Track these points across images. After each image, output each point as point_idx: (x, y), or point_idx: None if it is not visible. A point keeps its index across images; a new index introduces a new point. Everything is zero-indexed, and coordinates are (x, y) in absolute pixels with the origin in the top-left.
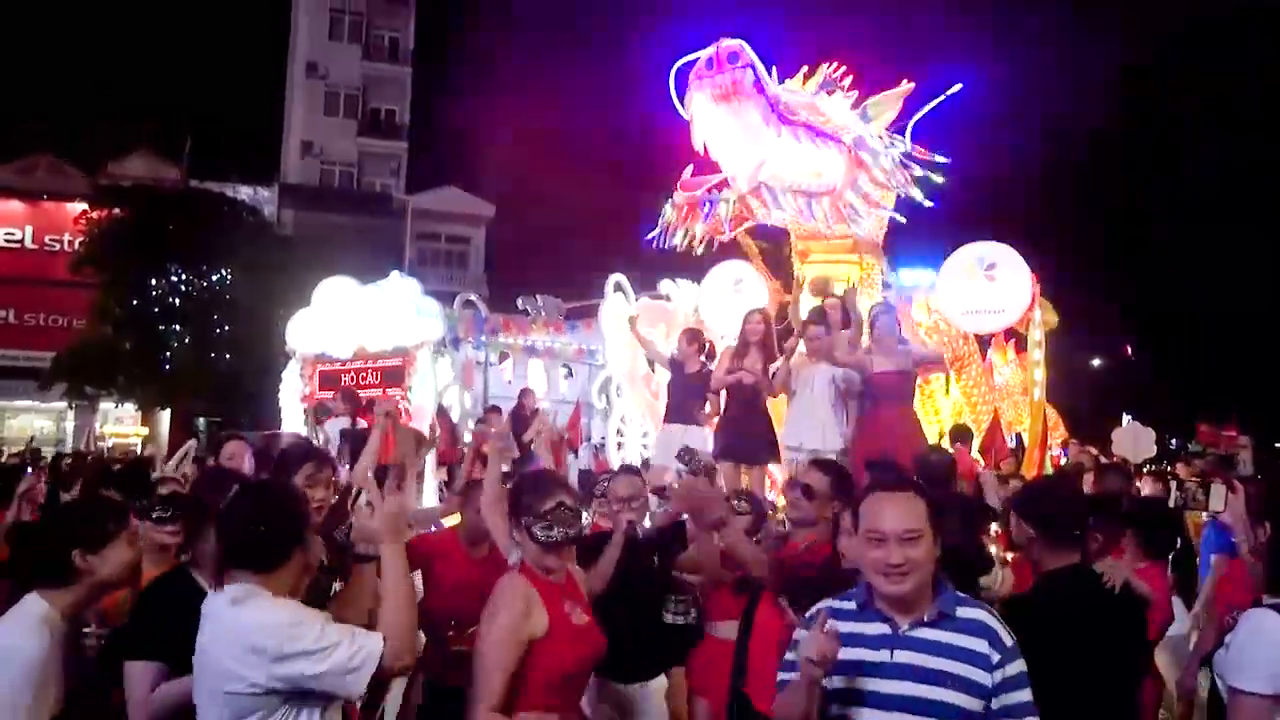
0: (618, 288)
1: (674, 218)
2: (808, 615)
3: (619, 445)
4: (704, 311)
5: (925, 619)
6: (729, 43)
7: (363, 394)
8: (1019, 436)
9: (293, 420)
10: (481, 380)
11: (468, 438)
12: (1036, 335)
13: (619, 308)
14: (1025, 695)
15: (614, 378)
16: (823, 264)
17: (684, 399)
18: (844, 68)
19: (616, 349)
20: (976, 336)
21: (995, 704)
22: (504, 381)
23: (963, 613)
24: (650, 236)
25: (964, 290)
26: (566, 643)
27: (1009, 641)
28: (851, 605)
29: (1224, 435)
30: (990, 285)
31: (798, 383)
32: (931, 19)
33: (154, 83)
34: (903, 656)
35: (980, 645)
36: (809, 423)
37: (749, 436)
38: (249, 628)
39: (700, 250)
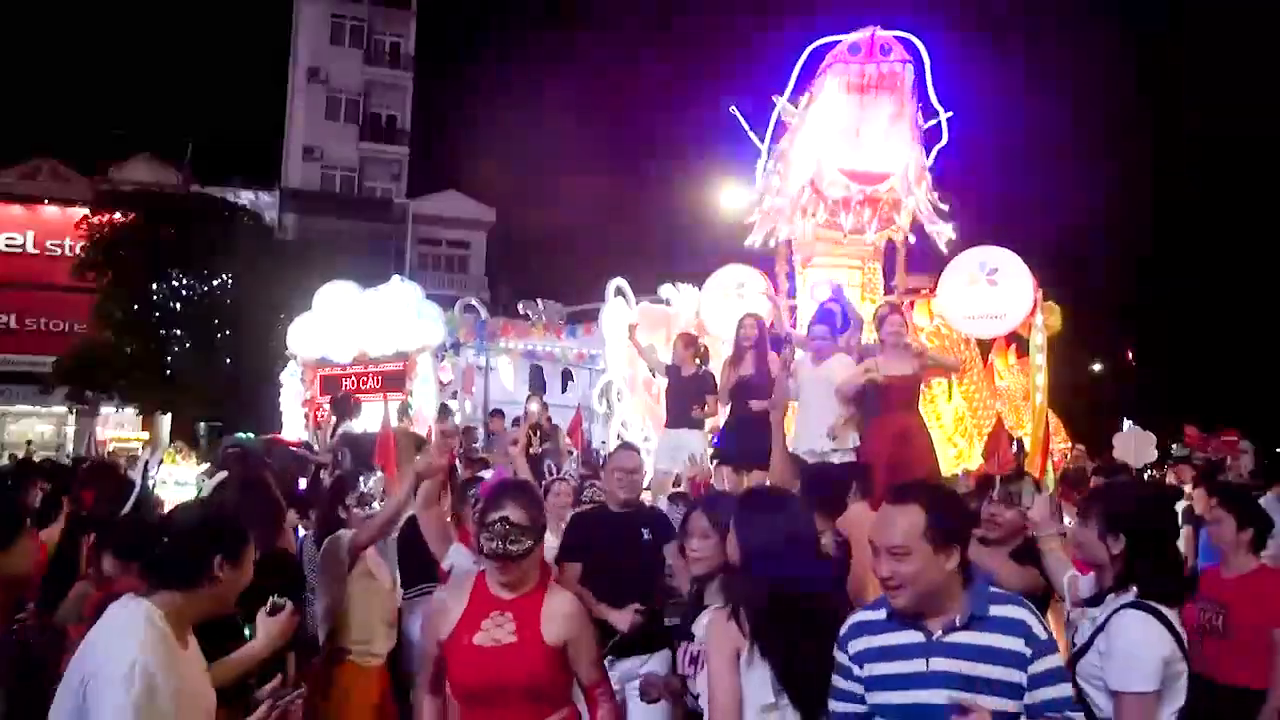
0: (618, 292)
1: (782, 210)
2: (842, 633)
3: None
4: (705, 316)
5: (958, 622)
6: (884, 33)
7: (363, 399)
8: (1020, 441)
9: (293, 424)
10: (482, 385)
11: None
12: (1038, 340)
13: (619, 312)
14: (1064, 690)
15: (614, 382)
16: (825, 267)
17: (682, 404)
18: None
19: (617, 353)
20: (978, 341)
21: (1030, 700)
22: (504, 387)
23: (997, 611)
24: (760, 234)
25: (966, 295)
26: (453, 657)
27: (1044, 635)
28: (881, 615)
29: (1222, 440)
30: (992, 290)
31: (800, 385)
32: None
33: (156, 88)
34: (939, 664)
35: (1015, 644)
36: (807, 426)
37: (750, 440)
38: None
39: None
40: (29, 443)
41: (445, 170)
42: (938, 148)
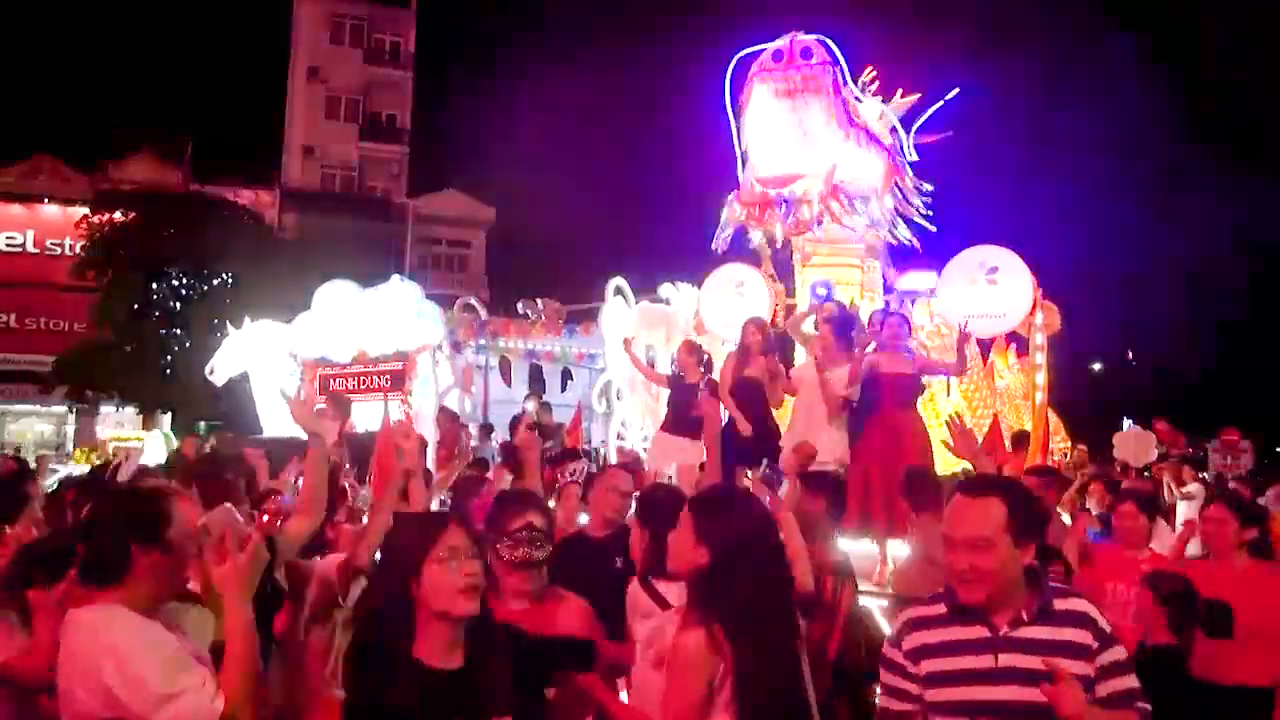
0: (618, 291)
1: (741, 217)
2: (895, 630)
3: (619, 449)
4: (705, 315)
5: (1025, 617)
6: (803, 37)
7: (363, 398)
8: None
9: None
10: (482, 384)
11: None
12: (1038, 339)
13: (619, 311)
14: (1128, 681)
15: (614, 381)
16: (824, 267)
17: (684, 411)
18: (875, 73)
19: (617, 353)
20: (978, 340)
21: (1100, 692)
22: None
23: (1061, 605)
24: (721, 237)
25: (965, 294)
26: None
27: (1107, 628)
28: (940, 610)
29: (1222, 439)
30: (992, 289)
31: (802, 386)
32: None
33: (156, 87)
34: (1007, 659)
35: (1083, 636)
36: (809, 428)
37: (743, 442)
38: None
39: (779, 248)
40: (17, 448)
41: (445, 169)
42: (924, 118)
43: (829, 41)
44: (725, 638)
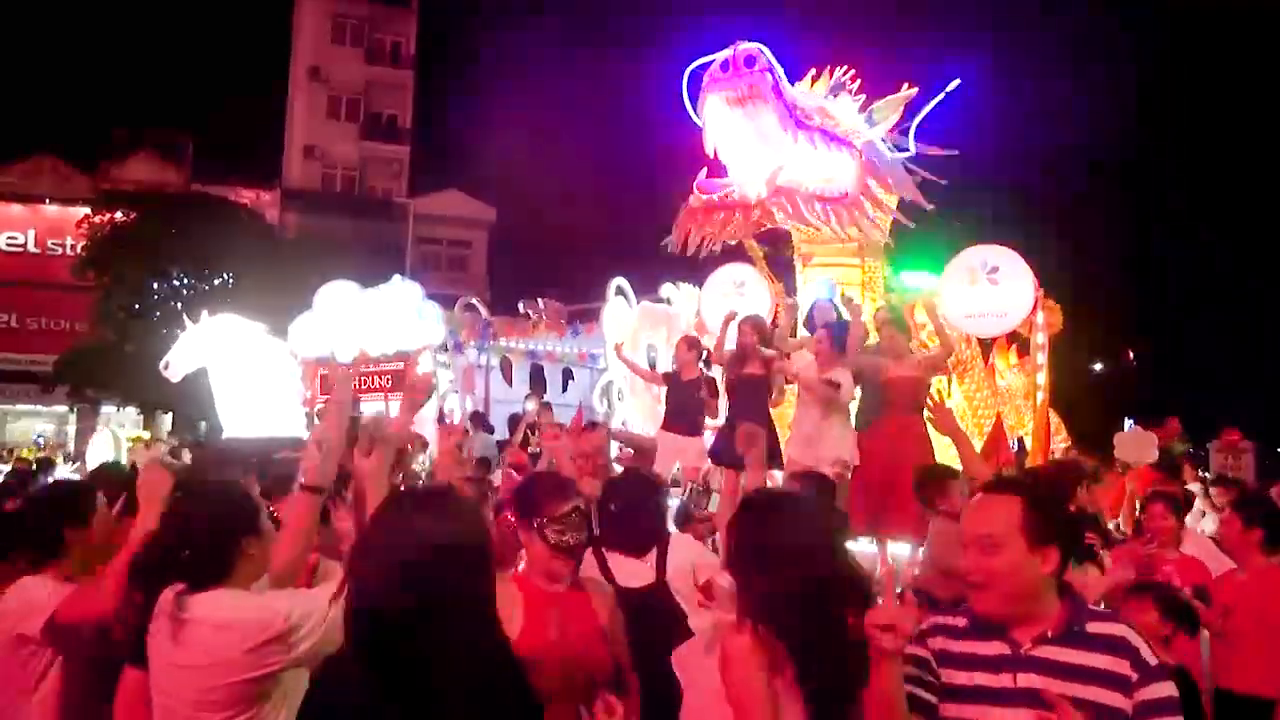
0: (619, 291)
1: (689, 222)
2: (922, 628)
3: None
4: (705, 315)
5: (1050, 635)
6: (746, 46)
7: (364, 398)
8: (1021, 441)
9: (294, 424)
10: (483, 384)
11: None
12: (1039, 339)
13: (620, 311)
14: None
15: (615, 382)
16: (825, 267)
17: (683, 407)
18: (853, 70)
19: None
20: (979, 340)
21: None
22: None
23: (1096, 628)
24: (665, 242)
25: (966, 293)
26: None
27: (1153, 661)
28: (961, 621)
29: (1224, 439)
30: (993, 289)
31: (800, 389)
32: (933, 20)
33: (156, 87)
34: (1026, 680)
35: (1118, 665)
36: (811, 429)
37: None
38: None
39: (717, 251)
40: (10, 449)
41: (446, 169)
42: (925, 111)
43: (764, 49)
44: (770, 635)
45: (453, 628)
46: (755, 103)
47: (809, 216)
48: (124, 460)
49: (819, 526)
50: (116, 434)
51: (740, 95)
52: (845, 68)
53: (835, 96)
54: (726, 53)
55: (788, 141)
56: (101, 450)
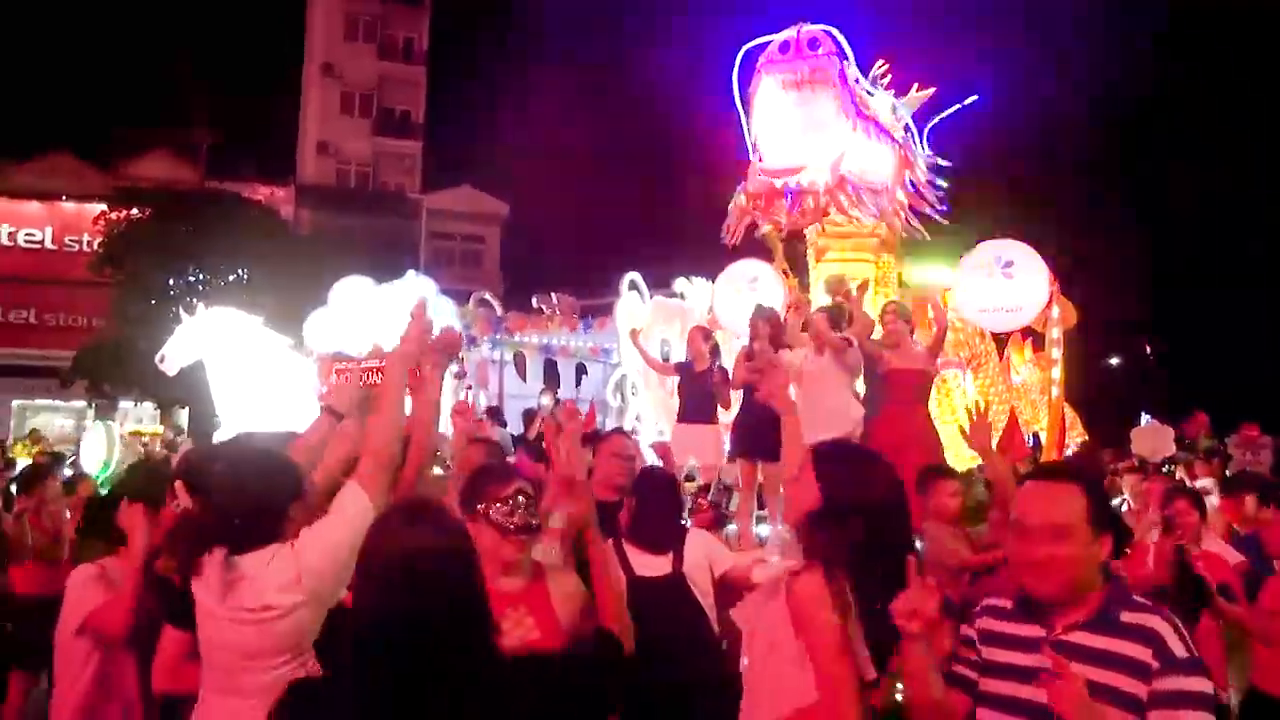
0: (632, 286)
1: (749, 209)
2: (974, 610)
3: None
4: (719, 309)
5: (1082, 621)
6: (809, 28)
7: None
8: (1036, 436)
9: (294, 418)
10: (497, 379)
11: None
12: (1054, 334)
13: (634, 306)
14: (1191, 718)
15: (629, 376)
16: (839, 262)
17: (697, 398)
18: (887, 65)
19: (631, 347)
20: (994, 335)
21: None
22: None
23: (1130, 617)
24: (731, 229)
25: (981, 288)
26: None
27: (1181, 653)
28: (1007, 604)
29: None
30: (1008, 283)
31: (802, 379)
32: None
33: (171, 84)
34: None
35: (1142, 653)
36: (811, 415)
37: (760, 433)
38: None
39: (786, 240)
40: (10, 444)
41: (459, 165)
42: (937, 119)
43: (835, 32)
44: (839, 575)
45: (452, 638)
46: (815, 87)
47: (869, 206)
48: (117, 455)
49: (891, 477)
50: (110, 429)
51: (800, 78)
52: (880, 61)
53: (871, 93)
54: (788, 33)
55: (845, 129)
56: (95, 446)
